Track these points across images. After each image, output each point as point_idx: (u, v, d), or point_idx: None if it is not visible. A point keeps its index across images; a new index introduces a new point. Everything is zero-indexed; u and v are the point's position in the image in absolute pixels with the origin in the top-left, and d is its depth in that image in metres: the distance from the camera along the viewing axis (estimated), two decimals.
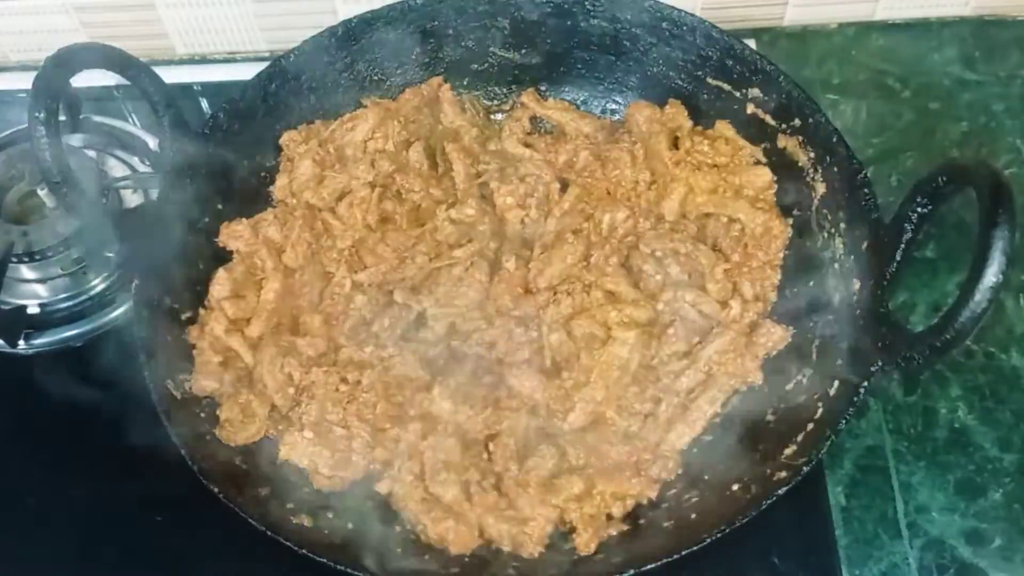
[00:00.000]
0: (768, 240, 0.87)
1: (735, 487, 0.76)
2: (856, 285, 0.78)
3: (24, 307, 0.95)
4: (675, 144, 0.92)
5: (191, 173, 0.88)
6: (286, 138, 0.94)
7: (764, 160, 0.90)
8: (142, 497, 0.85)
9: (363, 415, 0.81)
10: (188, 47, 1.14)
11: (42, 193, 0.97)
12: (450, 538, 0.76)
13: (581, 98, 1.00)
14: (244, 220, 0.90)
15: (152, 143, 1.04)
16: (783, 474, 0.73)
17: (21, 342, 0.94)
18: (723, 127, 0.91)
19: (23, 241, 0.95)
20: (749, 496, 0.74)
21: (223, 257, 0.89)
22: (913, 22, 1.11)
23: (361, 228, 0.91)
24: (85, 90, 1.01)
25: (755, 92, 0.88)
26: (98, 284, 0.97)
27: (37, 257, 0.94)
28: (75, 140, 1.03)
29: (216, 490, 0.72)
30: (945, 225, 0.93)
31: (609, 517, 0.78)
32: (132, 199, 1.01)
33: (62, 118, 0.89)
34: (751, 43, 0.93)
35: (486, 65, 0.99)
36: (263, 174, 0.94)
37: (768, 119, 0.88)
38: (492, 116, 1.01)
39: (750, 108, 0.89)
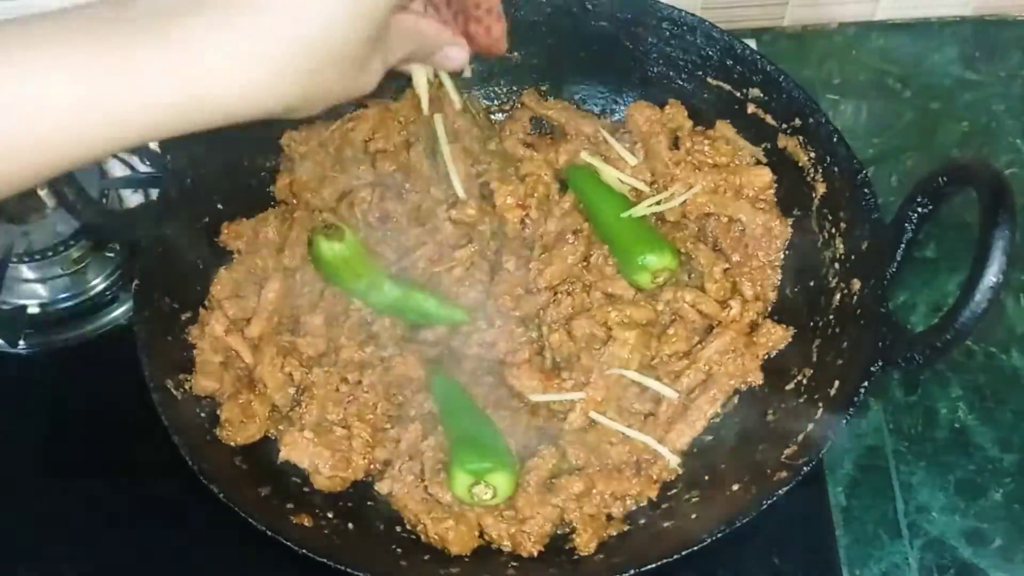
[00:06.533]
0: (768, 240, 0.87)
1: (735, 487, 0.76)
2: (856, 285, 0.78)
3: (24, 307, 0.95)
4: (675, 144, 0.92)
5: (191, 173, 0.88)
6: (286, 138, 0.94)
7: (764, 160, 0.90)
8: (142, 497, 0.85)
9: (363, 415, 0.81)
10: None
11: (42, 193, 0.97)
12: (450, 538, 0.76)
13: (581, 98, 1.00)
14: (244, 220, 0.90)
15: (152, 143, 1.04)
16: (783, 474, 0.73)
17: (21, 342, 0.94)
18: (723, 127, 0.91)
19: (23, 241, 0.95)
20: (749, 496, 0.74)
21: (223, 257, 0.89)
22: (913, 22, 1.11)
23: (362, 228, 0.91)
24: None
25: (756, 92, 0.88)
26: (98, 284, 0.97)
27: (37, 257, 0.94)
28: None
29: (216, 490, 0.72)
30: (945, 225, 0.93)
31: (609, 517, 0.78)
32: (132, 199, 1.01)
33: None
34: (751, 43, 0.93)
35: (486, 65, 0.99)
36: (263, 174, 0.94)
37: (768, 119, 0.88)
38: (492, 116, 1.01)
39: (751, 108, 0.89)
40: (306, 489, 0.80)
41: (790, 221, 0.87)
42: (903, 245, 0.74)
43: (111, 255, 0.98)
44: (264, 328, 0.86)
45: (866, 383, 0.72)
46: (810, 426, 0.75)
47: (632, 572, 0.70)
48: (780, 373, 0.82)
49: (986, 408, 0.86)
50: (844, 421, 0.72)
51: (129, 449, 0.87)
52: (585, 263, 0.88)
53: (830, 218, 0.83)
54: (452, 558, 0.76)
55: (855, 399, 0.72)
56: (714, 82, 0.91)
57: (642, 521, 0.78)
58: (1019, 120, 1.02)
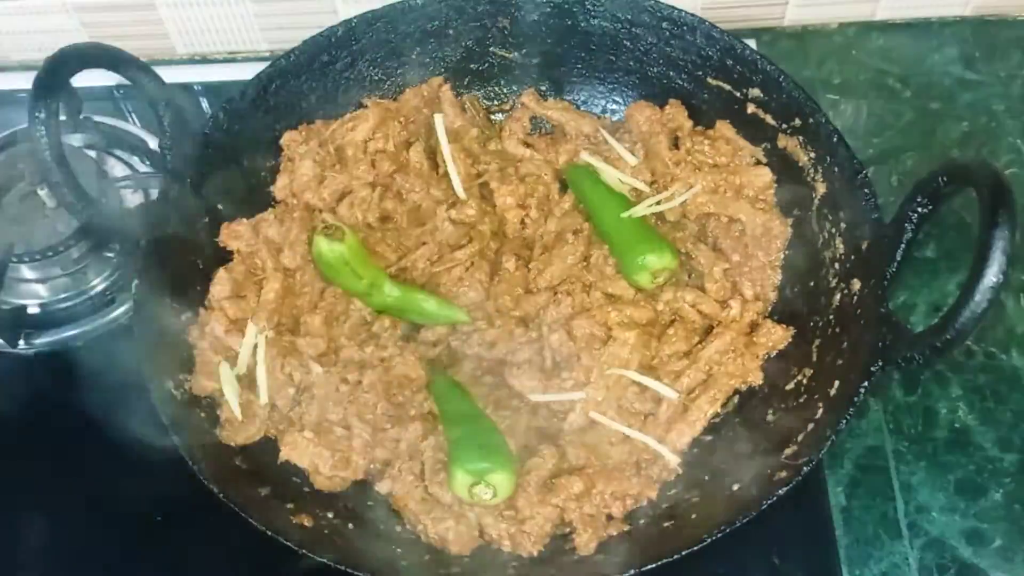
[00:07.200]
0: (768, 240, 0.87)
1: (735, 487, 0.76)
2: (856, 285, 0.78)
3: (24, 307, 0.95)
4: (675, 144, 0.92)
5: (191, 173, 0.88)
6: (286, 138, 0.94)
7: (764, 160, 0.90)
8: (142, 497, 0.85)
9: (363, 415, 0.81)
10: (188, 47, 1.14)
11: (42, 193, 0.97)
12: (450, 538, 0.76)
13: (581, 98, 1.00)
14: (244, 220, 0.90)
15: (152, 143, 1.04)
16: (783, 474, 0.73)
17: (21, 342, 0.94)
18: (723, 127, 0.91)
19: (23, 241, 0.95)
20: (749, 496, 0.74)
21: (223, 257, 0.89)
22: (913, 22, 1.11)
23: (362, 228, 0.91)
24: (85, 90, 1.01)
25: (755, 92, 0.88)
26: (98, 284, 0.97)
27: (37, 257, 0.94)
28: (75, 140, 1.03)
29: (216, 490, 0.72)
30: (945, 225, 0.93)
31: (609, 517, 0.78)
32: (132, 199, 1.01)
33: (62, 118, 0.89)
34: (751, 43, 0.93)
35: (486, 65, 0.99)
36: (263, 174, 0.94)
37: (768, 119, 0.88)
38: (492, 116, 1.01)
39: (750, 108, 0.89)
40: (306, 489, 0.80)
41: (790, 221, 0.87)
42: (903, 245, 0.74)
43: (111, 255, 0.98)
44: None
45: (866, 383, 0.72)
46: (810, 426, 0.75)
47: (632, 572, 0.70)
48: (780, 373, 0.82)
49: (986, 408, 0.86)
50: (844, 421, 0.72)
51: (129, 449, 0.87)
52: (585, 263, 0.88)
53: (830, 218, 0.83)
54: (452, 558, 0.76)
55: (855, 399, 0.72)
56: (714, 82, 0.91)
57: (642, 521, 0.78)
58: (1019, 120, 1.02)
